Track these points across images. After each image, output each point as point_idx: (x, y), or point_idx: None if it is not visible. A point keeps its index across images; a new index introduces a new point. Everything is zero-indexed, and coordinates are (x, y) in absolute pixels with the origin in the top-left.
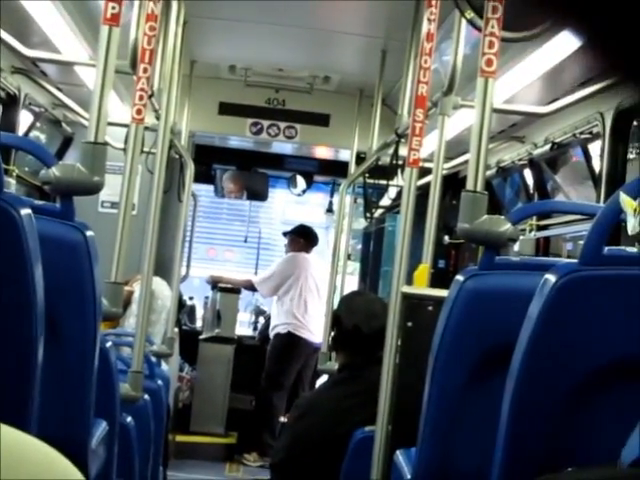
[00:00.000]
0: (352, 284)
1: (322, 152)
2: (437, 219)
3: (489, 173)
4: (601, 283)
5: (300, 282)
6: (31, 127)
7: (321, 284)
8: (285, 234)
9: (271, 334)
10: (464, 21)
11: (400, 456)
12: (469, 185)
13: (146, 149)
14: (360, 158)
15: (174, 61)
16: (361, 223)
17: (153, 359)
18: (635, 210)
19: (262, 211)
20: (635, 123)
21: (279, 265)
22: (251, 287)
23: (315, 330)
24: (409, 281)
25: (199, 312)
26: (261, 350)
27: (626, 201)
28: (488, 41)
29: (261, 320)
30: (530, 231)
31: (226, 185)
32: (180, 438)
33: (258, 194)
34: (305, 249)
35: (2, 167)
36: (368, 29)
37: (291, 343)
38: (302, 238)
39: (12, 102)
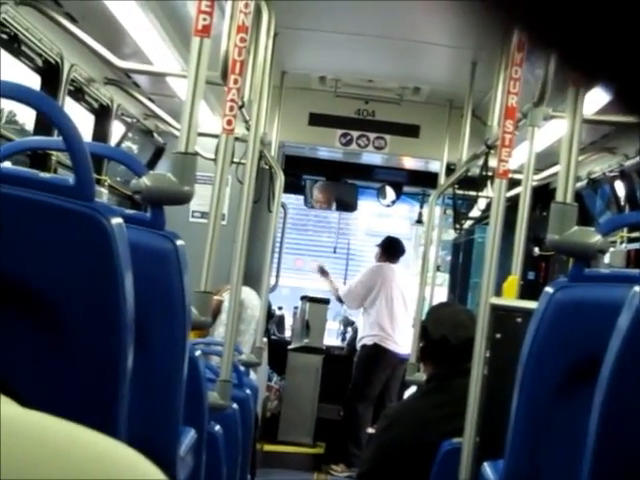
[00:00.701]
0: (441, 295)
1: (411, 163)
2: (527, 231)
3: (579, 185)
4: None
5: (386, 293)
6: (123, 137)
7: (407, 295)
8: (378, 246)
9: (358, 345)
10: None
11: (487, 468)
12: (559, 197)
13: (236, 159)
14: (450, 169)
15: (264, 72)
16: (450, 234)
17: (242, 368)
18: None
19: (348, 222)
20: None
21: (363, 276)
22: (339, 298)
23: (401, 341)
24: (498, 293)
25: (288, 322)
26: (349, 360)
27: None
28: None
29: (349, 330)
30: (621, 243)
31: (315, 195)
32: (268, 447)
33: (347, 205)
34: (390, 260)
35: (94, 177)
36: (458, 40)
37: (377, 354)
38: (387, 249)
39: (105, 113)
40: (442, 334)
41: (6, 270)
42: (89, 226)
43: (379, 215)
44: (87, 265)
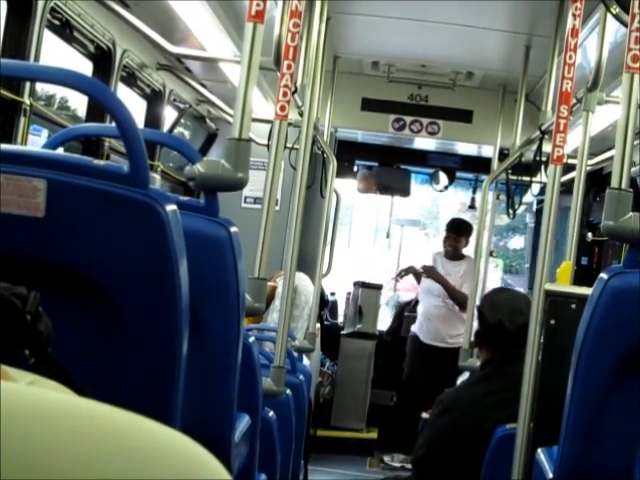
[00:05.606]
0: (495, 281)
1: (465, 148)
2: (580, 216)
3: (635, 170)
4: None
5: None
6: (176, 123)
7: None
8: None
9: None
10: (609, 16)
11: (542, 454)
12: (614, 182)
13: (289, 145)
14: (503, 154)
15: (317, 57)
16: (503, 220)
17: (295, 354)
18: None
19: (400, 207)
20: None
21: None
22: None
23: None
24: (552, 278)
25: (341, 308)
26: (401, 346)
27: None
28: (634, 37)
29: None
30: None
31: (368, 181)
32: (321, 433)
33: (400, 190)
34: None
35: (148, 163)
36: (512, 25)
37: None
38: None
39: (157, 98)
40: (498, 319)
41: (62, 258)
42: (144, 213)
43: (432, 200)
44: (142, 252)
